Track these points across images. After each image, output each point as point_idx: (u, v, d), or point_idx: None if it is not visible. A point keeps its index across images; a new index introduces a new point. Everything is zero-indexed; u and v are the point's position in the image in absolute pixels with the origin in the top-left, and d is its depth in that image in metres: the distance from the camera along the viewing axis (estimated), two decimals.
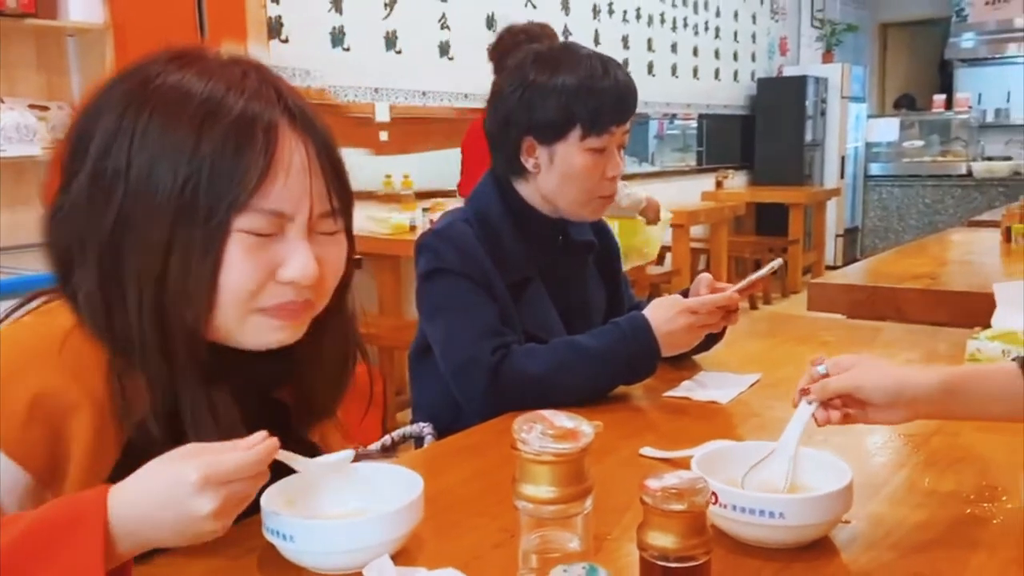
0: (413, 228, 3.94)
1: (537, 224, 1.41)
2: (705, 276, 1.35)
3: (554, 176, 1.35)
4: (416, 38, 4.33)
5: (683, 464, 0.93)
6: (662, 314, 1.28)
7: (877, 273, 2.40)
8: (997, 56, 9.00)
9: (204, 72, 0.78)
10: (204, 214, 0.75)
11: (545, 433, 0.67)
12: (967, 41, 9.06)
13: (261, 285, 0.78)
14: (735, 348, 1.57)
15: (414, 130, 4.41)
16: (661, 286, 5.24)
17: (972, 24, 9.00)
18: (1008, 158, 8.23)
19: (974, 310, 2.03)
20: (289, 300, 0.80)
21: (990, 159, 8.21)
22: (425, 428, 1.36)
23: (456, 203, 3.27)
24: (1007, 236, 2.72)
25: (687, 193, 6.52)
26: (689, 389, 1.32)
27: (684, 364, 1.43)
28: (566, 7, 5.33)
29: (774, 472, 0.87)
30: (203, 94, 0.77)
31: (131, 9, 2.62)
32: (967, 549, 0.80)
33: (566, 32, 5.29)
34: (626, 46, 5.92)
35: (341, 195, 0.83)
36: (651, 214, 3.83)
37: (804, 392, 0.93)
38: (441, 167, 4.67)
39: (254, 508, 0.77)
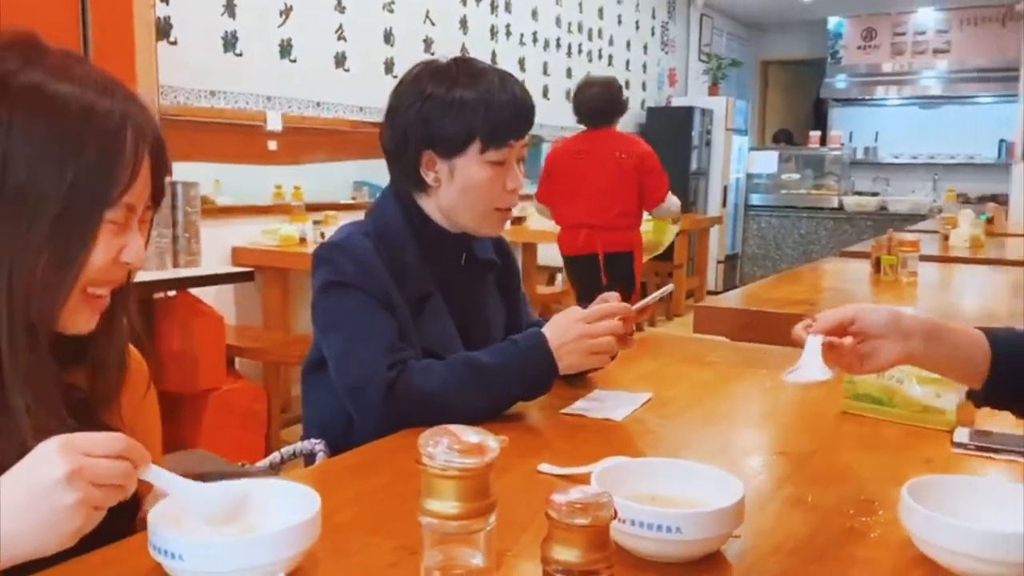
0: (303, 240, 3.86)
1: (439, 240, 1.40)
2: (609, 295, 1.38)
3: (454, 190, 1.35)
4: (312, 47, 4.26)
5: (581, 480, 0.94)
6: (557, 329, 1.29)
7: (759, 298, 2.50)
8: (867, 97, 9.61)
9: (64, 74, 0.83)
10: (84, 209, 0.82)
11: (451, 447, 0.66)
12: (840, 82, 9.63)
13: (106, 270, 0.85)
14: (628, 367, 1.60)
15: (307, 141, 4.33)
16: (553, 306, 5.31)
17: (845, 66, 9.58)
18: (875, 194, 8.78)
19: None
20: (115, 283, 0.88)
21: (860, 194, 8.73)
22: (317, 445, 1.33)
23: (349, 216, 3.25)
24: (876, 267, 2.88)
25: None
26: (585, 407, 1.34)
27: (579, 382, 1.45)
28: (464, 26, 5.37)
29: (801, 373, 0.97)
30: (78, 99, 0.82)
31: (10, 7, 2.47)
32: (848, 562, 0.84)
33: (463, 50, 5.33)
34: (522, 68, 6.01)
35: (162, 189, 0.91)
36: (674, 220, 4.56)
37: (808, 328, 1.00)
38: (334, 179, 4.59)
39: (141, 526, 0.73)
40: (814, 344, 0.99)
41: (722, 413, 1.38)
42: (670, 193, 3.97)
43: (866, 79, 9.52)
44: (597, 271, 3.85)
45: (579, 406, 1.34)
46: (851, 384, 1.33)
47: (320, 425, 1.38)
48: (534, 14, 6.09)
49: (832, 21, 9.53)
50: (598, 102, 3.86)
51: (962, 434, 1.20)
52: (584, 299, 3.83)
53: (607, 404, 1.35)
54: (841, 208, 8.21)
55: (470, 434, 0.68)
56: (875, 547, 0.87)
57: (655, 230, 4.66)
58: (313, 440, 1.34)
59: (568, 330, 1.28)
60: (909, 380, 1.27)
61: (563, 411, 1.32)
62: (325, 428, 1.35)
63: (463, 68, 1.36)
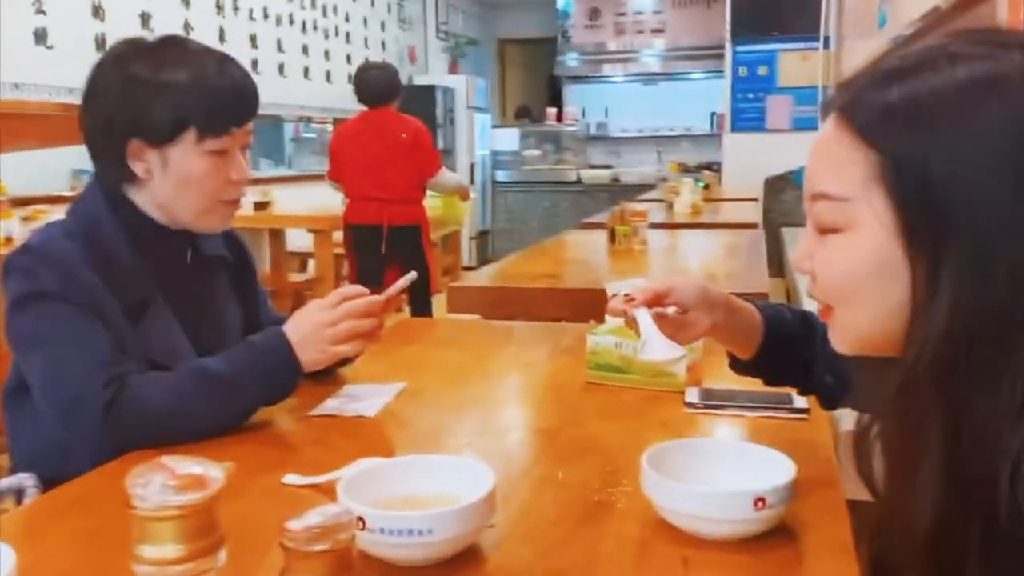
0: (9, 241, 3.42)
1: (158, 237, 1.27)
2: (342, 289, 1.32)
3: (170, 182, 1.22)
4: (4, 22, 3.77)
5: (329, 489, 0.89)
6: (297, 324, 1.21)
7: (507, 275, 2.56)
8: (596, 75, 10.16)
9: None
10: None
11: (166, 484, 0.59)
12: (571, 60, 10.11)
13: None
14: (379, 357, 1.56)
15: (5, 127, 3.83)
16: (304, 293, 5.14)
17: (575, 45, 10.06)
18: (609, 166, 9.34)
19: (590, 305, 2.23)
20: None
21: (595, 167, 9.25)
22: (26, 480, 1.17)
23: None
24: (612, 237, 3.05)
25: (328, 197, 6.46)
26: (334, 406, 1.28)
27: (327, 378, 1.39)
28: (185, 1, 5.00)
29: (660, 351, 0.97)
30: None
31: None
32: (597, 537, 0.86)
33: (187, 27, 4.96)
34: (254, 45, 5.71)
35: None
36: (464, 194, 4.91)
37: (629, 301, 1.01)
38: (49, 168, 4.12)
39: None
40: (645, 318, 1.00)
41: (476, 396, 1.38)
42: (444, 168, 4.38)
43: (594, 57, 10.07)
44: (379, 242, 4.13)
45: (328, 406, 1.28)
46: (593, 355, 1.37)
47: (29, 457, 1.21)
48: None
49: (561, 1, 9.96)
50: (376, 84, 4.13)
51: (692, 394, 1.28)
52: (364, 271, 3.76)
53: (358, 400, 1.30)
54: (579, 181, 8.66)
55: (188, 465, 0.61)
56: (622, 519, 0.89)
57: (444, 206, 4.93)
58: (22, 475, 1.17)
59: (308, 323, 1.21)
60: None
61: (311, 413, 1.25)
62: (36, 460, 1.19)
63: (173, 48, 1.24)
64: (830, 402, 1.09)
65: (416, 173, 4.17)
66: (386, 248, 4.12)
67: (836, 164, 0.68)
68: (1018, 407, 0.60)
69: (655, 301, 1.01)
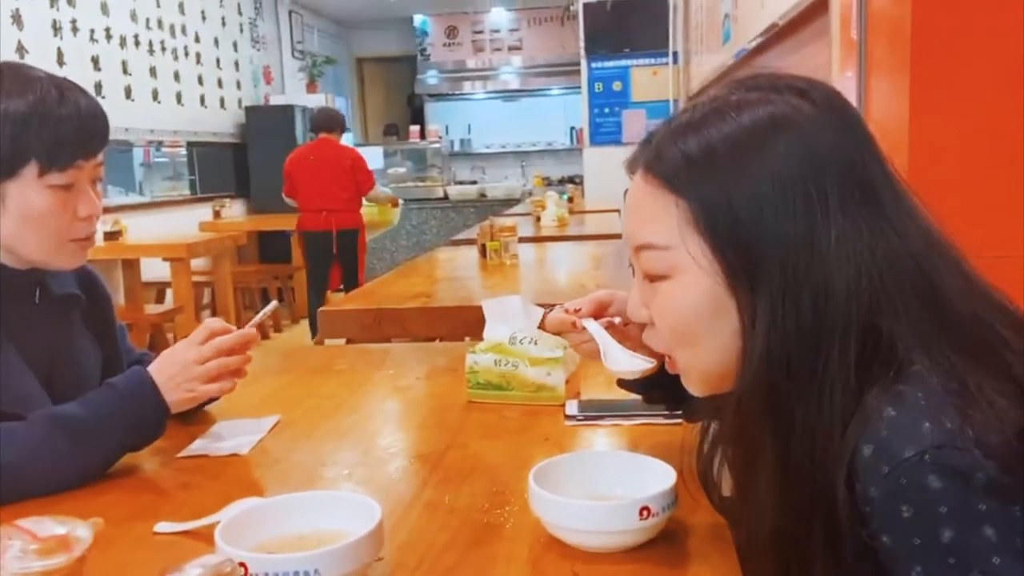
0: None
1: (1, 277, 1.18)
2: (208, 322, 1.26)
3: (11, 220, 1.13)
4: None
5: (206, 535, 0.85)
6: (162, 363, 1.16)
7: (380, 295, 2.52)
8: (457, 92, 10.24)
9: None
10: None
11: (27, 550, 0.54)
12: (432, 78, 10.15)
13: None
14: (250, 389, 1.50)
15: None
16: (164, 326, 4.91)
17: (434, 63, 10.11)
18: (475, 182, 9.41)
19: (465, 322, 2.24)
20: None
21: (461, 183, 9.29)
22: None
23: None
24: (483, 253, 3.06)
25: (184, 224, 6.22)
26: (204, 445, 1.22)
27: (195, 417, 1.32)
28: (18, 21, 4.69)
29: (624, 361, 0.94)
30: None
31: None
32: (488, 560, 0.85)
33: (20, 49, 4.66)
34: (97, 67, 5.43)
35: None
36: (394, 202, 6.20)
37: (577, 312, 1.01)
38: None
39: None
40: (596, 329, 0.99)
41: (354, 424, 1.35)
42: (377, 184, 5.74)
43: (453, 75, 10.14)
44: (330, 244, 5.35)
45: (198, 445, 1.22)
46: (473, 374, 1.37)
47: None
48: (104, 8, 5.52)
49: (418, 19, 9.98)
50: (321, 120, 5.57)
51: (572, 407, 1.30)
52: (316, 270, 4.93)
53: (230, 437, 1.25)
54: (446, 198, 8.67)
55: (49, 526, 0.56)
56: (512, 539, 0.89)
57: (379, 212, 6.07)
58: None
59: (175, 362, 1.16)
60: (523, 363, 1.34)
61: (180, 454, 1.19)
62: None
63: (9, 75, 1.15)
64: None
65: (355, 189, 5.42)
66: (336, 247, 5.33)
67: (652, 215, 0.73)
68: (839, 415, 0.65)
69: (599, 311, 1.02)
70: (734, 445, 0.79)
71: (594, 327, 0.99)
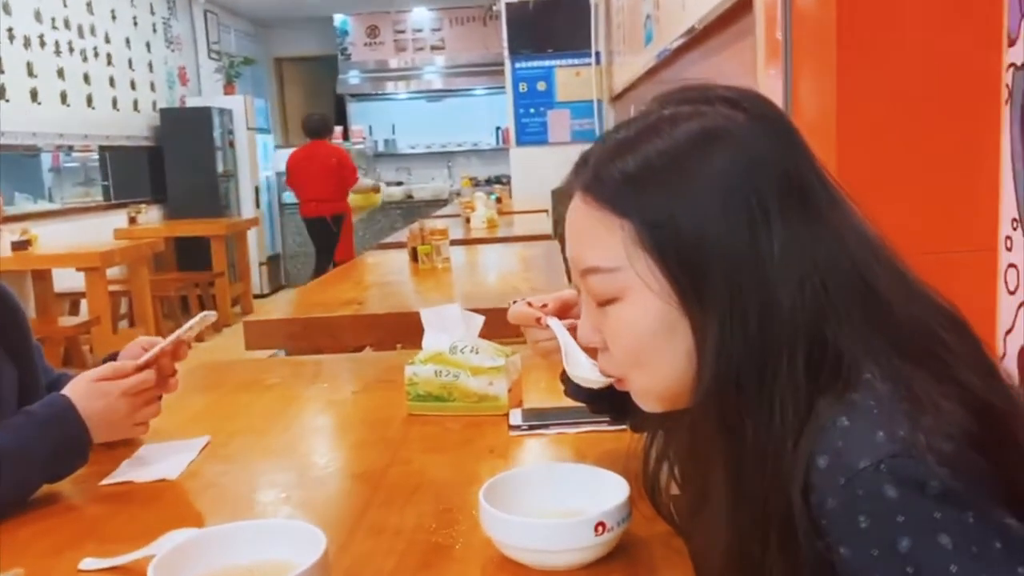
0: None
1: None
2: (139, 339, 1.20)
3: None
4: None
5: (138, 570, 0.80)
6: (81, 389, 1.09)
7: (309, 303, 2.45)
8: (379, 92, 10.12)
9: None
10: None
11: None
12: (353, 78, 10.00)
13: None
14: (176, 408, 1.43)
15: None
16: (79, 339, 4.71)
17: (356, 62, 9.97)
18: (400, 183, 9.31)
19: (400, 329, 2.20)
20: None
21: (387, 184, 9.18)
22: None
23: None
24: (414, 256, 3.02)
25: (97, 231, 5.98)
26: (130, 470, 1.15)
27: (117, 441, 1.25)
28: None
29: (586, 369, 0.90)
30: None
31: None
32: None
33: None
34: (0, 70, 5.17)
35: None
36: (377, 189, 7.52)
37: (543, 308, 0.98)
38: None
39: None
40: (560, 329, 0.96)
41: (289, 443, 1.30)
42: (361, 177, 7.05)
43: (376, 75, 10.02)
44: (327, 226, 6.76)
45: (124, 471, 1.15)
46: (412, 385, 1.34)
47: None
48: (5, 7, 5.26)
49: (338, 19, 9.83)
50: (312, 124, 6.78)
51: (515, 416, 1.27)
52: (317, 249, 6.13)
53: (157, 461, 1.18)
54: None
55: None
56: (463, 560, 0.86)
57: (362, 199, 7.27)
58: None
59: (96, 387, 1.09)
60: (464, 373, 1.31)
61: (104, 482, 1.12)
62: None
63: None
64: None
65: (341, 183, 6.72)
66: (333, 227, 6.76)
67: (596, 239, 0.71)
68: (790, 428, 0.64)
69: (564, 311, 1.00)
70: (686, 462, 0.78)
71: (558, 326, 0.96)
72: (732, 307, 0.65)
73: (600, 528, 0.80)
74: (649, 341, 0.70)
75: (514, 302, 1.02)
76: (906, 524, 0.57)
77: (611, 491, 0.86)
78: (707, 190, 0.66)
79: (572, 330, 0.96)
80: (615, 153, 0.71)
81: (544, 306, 0.99)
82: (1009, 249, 1.32)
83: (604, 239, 0.70)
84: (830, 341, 0.65)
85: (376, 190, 7.51)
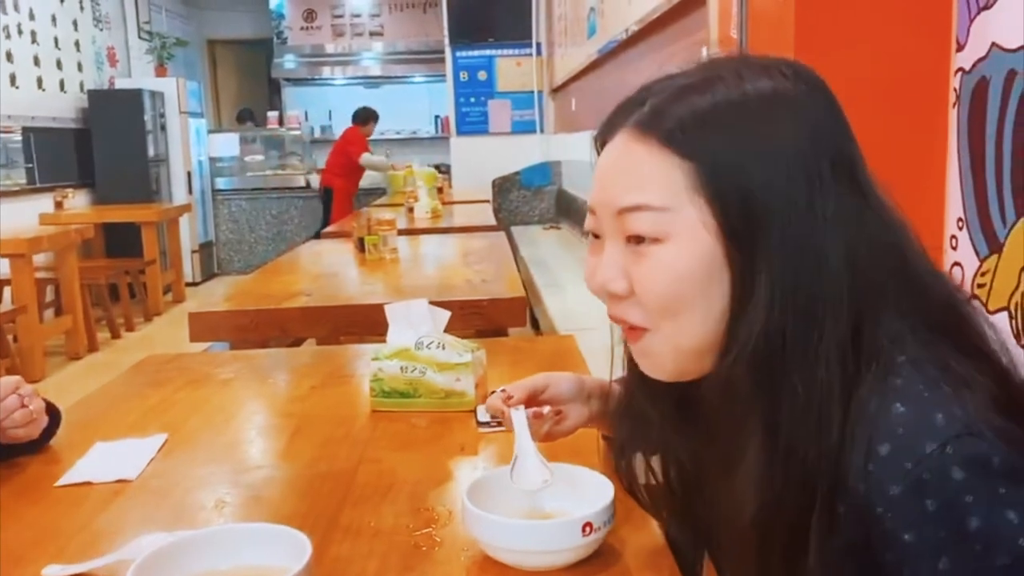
0: None
1: None
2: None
3: None
4: None
5: None
6: None
7: (255, 295, 2.39)
8: (316, 77, 9.93)
9: None
10: None
11: None
12: (289, 62, 9.80)
13: None
14: (129, 405, 1.39)
15: None
16: (4, 327, 4.52)
17: (292, 47, 9.76)
18: None
19: (352, 321, 2.17)
20: None
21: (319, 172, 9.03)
22: None
23: None
24: (360, 247, 2.98)
25: (22, 216, 5.73)
26: (86, 470, 1.11)
27: (68, 439, 1.21)
28: None
29: (531, 477, 0.86)
30: None
31: None
32: None
33: None
34: None
35: None
36: (395, 167, 7.36)
37: (507, 400, 0.92)
38: None
39: None
40: (522, 424, 0.91)
41: (251, 441, 1.27)
42: (365, 153, 7.52)
43: (312, 59, 9.83)
44: (329, 197, 7.45)
45: (80, 471, 1.10)
46: (377, 381, 1.32)
47: None
48: None
49: (274, 1, 9.61)
50: (357, 112, 7.72)
51: (483, 412, 1.26)
52: (323, 217, 7.47)
53: (114, 460, 1.14)
54: (308, 186, 8.42)
55: None
56: (445, 562, 0.85)
57: (390, 180, 7.39)
58: None
59: None
60: (431, 369, 1.30)
61: (60, 482, 1.08)
62: None
63: None
64: None
65: (347, 158, 7.43)
66: (323, 198, 7.60)
67: (646, 177, 0.69)
68: (836, 391, 0.64)
69: (532, 397, 0.95)
70: (714, 424, 0.74)
71: (520, 422, 0.92)
72: (788, 260, 0.65)
73: (587, 528, 0.80)
74: (688, 286, 0.68)
75: (492, 392, 0.98)
76: (975, 503, 0.58)
77: (594, 490, 0.86)
78: (774, 146, 0.67)
79: (537, 417, 0.94)
80: (680, 96, 0.70)
81: (509, 397, 0.94)
82: (954, 248, 1.37)
83: (657, 178, 0.68)
84: (868, 314, 0.66)
85: (395, 168, 7.47)
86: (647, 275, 0.70)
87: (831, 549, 0.63)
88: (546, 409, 0.95)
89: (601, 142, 0.75)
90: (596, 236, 0.75)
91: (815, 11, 1.62)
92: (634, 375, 0.80)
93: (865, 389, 0.64)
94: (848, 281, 0.65)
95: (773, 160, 0.66)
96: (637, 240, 0.70)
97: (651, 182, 0.69)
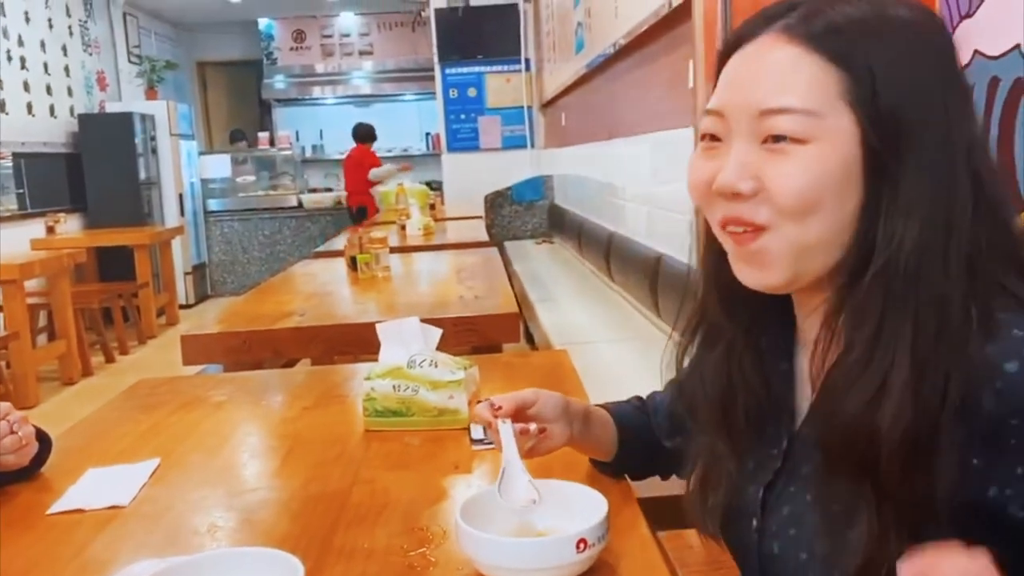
0: None
1: None
2: None
3: None
4: None
5: None
6: None
7: (248, 316, 2.39)
8: (306, 97, 9.96)
9: None
10: None
11: None
12: (279, 83, 9.83)
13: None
14: (120, 429, 1.39)
15: None
16: None
17: (281, 67, 9.79)
18: (329, 189, 9.19)
19: (344, 341, 2.17)
20: None
21: (315, 191, 9.05)
22: None
23: None
24: (352, 266, 2.97)
25: (13, 242, 5.72)
26: (78, 497, 1.10)
27: (60, 466, 1.20)
28: None
29: (520, 490, 0.87)
30: None
31: None
32: None
33: None
34: None
35: None
36: (405, 168, 7.92)
37: (496, 411, 0.92)
38: None
39: None
40: (509, 437, 0.91)
41: (244, 464, 1.26)
42: (373, 169, 7.69)
43: (303, 79, 9.87)
44: (352, 215, 7.65)
45: (72, 498, 1.10)
46: (370, 401, 1.31)
47: None
48: None
49: (263, 23, 9.65)
50: (358, 131, 7.96)
51: (477, 430, 1.26)
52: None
53: (107, 486, 1.13)
54: (300, 206, 8.43)
55: None
56: None
57: (382, 199, 7.02)
58: None
59: None
60: (424, 387, 1.29)
61: (52, 510, 1.07)
62: None
63: None
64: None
65: (364, 176, 7.68)
66: (356, 217, 7.50)
67: (795, 80, 0.69)
68: (965, 297, 0.65)
69: (519, 412, 0.95)
70: (857, 335, 0.70)
71: (507, 435, 0.91)
72: (926, 178, 0.67)
73: (582, 545, 0.80)
74: (825, 187, 0.68)
75: (479, 402, 0.98)
76: None
77: (588, 506, 0.85)
78: (924, 68, 0.68)
79: (523, 434, 0.94)
80: (831, 4, 0.71)
81: (498, 408, 0.94)
82: None
83: (806, 81, 0.69)
84: (980, 243, 0.67)
85: (406, 169, 7.93)
86: (786, 172, 0.69)
87: (956, 467, 0.63)
88: (532, 426, 0.95)
89: (734, 46, 0.75)
90: (715, 139, 0.74)
91: None
92: (716, 296, 0.81)
93: (983, 309, 0.65)
94: (972, 205, 0.67)
95: (923, 82, 0.68)
96: (774, 140, 0.70)
97: (800, 85, 0.69)
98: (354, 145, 7.95)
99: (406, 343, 1.32)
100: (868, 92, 0.67)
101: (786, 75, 0.70)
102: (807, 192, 0.68)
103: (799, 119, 0.68)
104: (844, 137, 0.68)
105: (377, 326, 1.34)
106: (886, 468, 0.65)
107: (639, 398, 1.11)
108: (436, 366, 1.31)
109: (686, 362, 0.87)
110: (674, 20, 3.01)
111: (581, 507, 0.86)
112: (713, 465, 0.84)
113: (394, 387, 1.30)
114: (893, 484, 0.65)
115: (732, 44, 0.75)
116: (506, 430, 0.92)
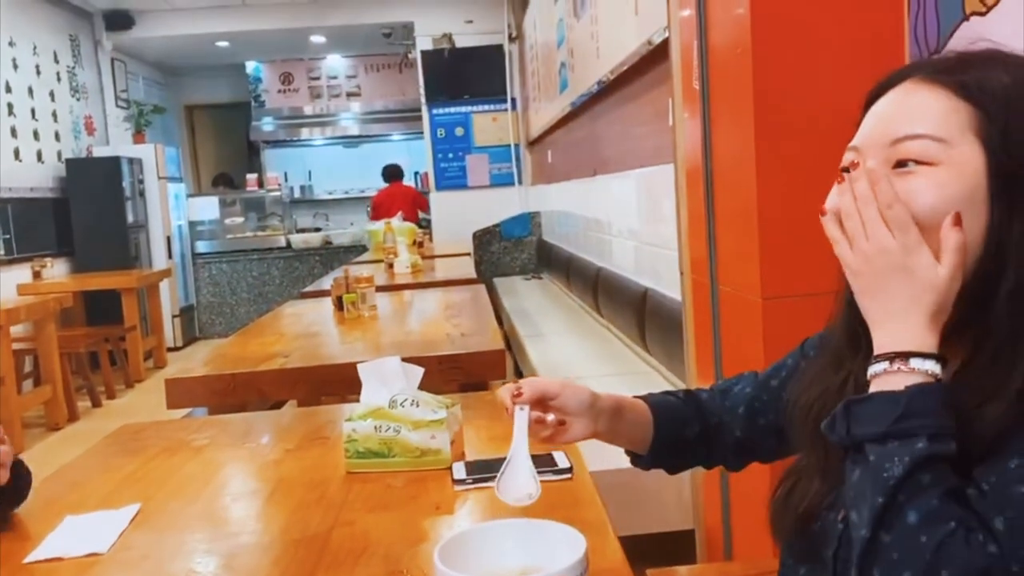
0: None
1: None
2: None
3: None
4: None
5: None
6: None
7: (232, 358, 2.38)
8: (294, 139, 10.02)
9: None
10: None
11: None
12: (267, 125, 9.88)
13: None
14: (100, 475, 1.37)
15: None
16: None
17: (269, 109, 9.85)
18: (318, 229, 9.20)
19: (329, 382, 2.16)
20: None
21: (304, 231, 9.07)
22: None
23: None
24: (339, 305, 2.97)
25: (0, 287, 5.70)
26: (57, 545, 1.09)
27: (38, 513, 1.19)
28: None
29: (520, 483, 0.88)
30: None
31: None
32: None
33: None
34: None
35: None
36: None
37: (516, 397, 0.92)
38: None
39: None
40: (521, 420, 0.91)
41: (225, 508, 1.25)
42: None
43: (290, 121, 9.92)
44: None
45: (50, 546, 1.09)
46: (351, 442, 1.31)
47: None
48: None
49: (250, 66, 9.73)
50: (389, 170, 8.44)
51: (459, 470, 1.26)
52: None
53: (85, 533, 1.12)
54: (289, 247, 8.43)
55: None
56: None
57: (370, 237, 7.02)
58: None
59: None
60: (406, 427, 1.29)
61: (29, 559, 1.06)
62: None
63: None
64: (743, 459, 1.08)
65: (416, 213, 7.97)
66: None
67: (929, 112, 0.75)
68: None
69: (541, 400, 0.95)
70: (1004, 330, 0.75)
71: (521, 423, 0.91)
72: None
73: None
74: (953, 206, 0.73)
75: (504, 384, 0.98)
76: None
77: (567, 545, 0.85)
78: None
79: (539, 423, 0.94)
80: (960, 56, 0.79)
81: (519, 394, 0.93)
82: None
83: (939, 113, 0.75)
84: None
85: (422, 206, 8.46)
86: (917, 188, 0.74)
87: None
88: (550, 417, 0.95)
89: (878, 92, 0.80)
90: (848, 171, 0.78)
91: (772, 61, 1.66)
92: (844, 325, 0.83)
93: None
94: None
95: None
96: (903, 164, 0.75)
97: (933, 116, 0.75)
98: (385, 184, 8.41)
99: (387, 383, 1.32)
100: (1000, 127, 0.73)
101: (920, 108, 0.76)
102: (937, 206, 0.73)
103: (929, 144, 0.74)
104: (971, 166, 0.73)
105: (358, 366, 1.34)
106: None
107: (687, 392, 1.10)
108: (418, 405, 1.30)
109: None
110: (653, 60, 3.06)
111: (560, 546, 0.86)
112: (800, 479, 0.85)
113: (376, 428, 1.30)
114: None
115: (877, 91, 0.81)
116: (521, 416, 0.91)
